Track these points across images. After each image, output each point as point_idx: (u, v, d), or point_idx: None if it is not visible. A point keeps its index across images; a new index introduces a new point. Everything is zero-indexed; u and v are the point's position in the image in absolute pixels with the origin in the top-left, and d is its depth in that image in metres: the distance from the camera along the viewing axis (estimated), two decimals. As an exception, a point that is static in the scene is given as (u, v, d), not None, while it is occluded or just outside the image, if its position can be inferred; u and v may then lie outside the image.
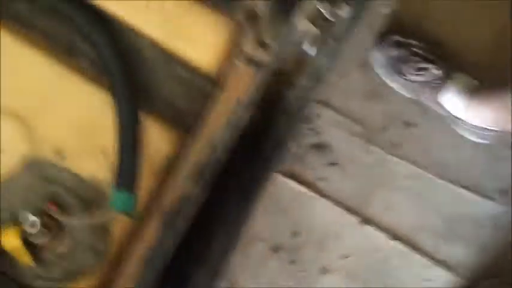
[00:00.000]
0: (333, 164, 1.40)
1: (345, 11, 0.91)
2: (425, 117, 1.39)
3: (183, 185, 0.55)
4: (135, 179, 0.55)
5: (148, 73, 0.60)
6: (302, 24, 0.65)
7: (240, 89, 0.54)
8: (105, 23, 0.60)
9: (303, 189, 1.39)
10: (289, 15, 0.56)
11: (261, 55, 0.54)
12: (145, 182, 0.56)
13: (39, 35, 0.61)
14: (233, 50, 0.56)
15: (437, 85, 1.31)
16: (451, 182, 1.39)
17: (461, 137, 1.37)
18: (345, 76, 1.39)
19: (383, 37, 1.37)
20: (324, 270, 1.39)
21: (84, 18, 0.59)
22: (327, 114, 1.40)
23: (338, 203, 1.39)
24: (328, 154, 1.40)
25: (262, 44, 0.55)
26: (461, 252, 1.39)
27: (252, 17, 0.55)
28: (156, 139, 0.58)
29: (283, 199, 1.40)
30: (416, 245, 1.40)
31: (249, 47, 0.54)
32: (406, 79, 1.33)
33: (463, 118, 1.31)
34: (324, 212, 1.39)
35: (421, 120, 1.40)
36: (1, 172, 0.58)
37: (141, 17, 0.59)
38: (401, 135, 1.40)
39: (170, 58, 0.59)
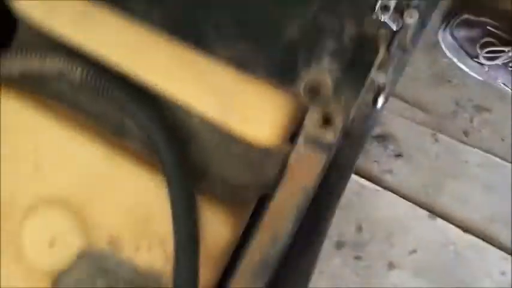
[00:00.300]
0: (398, 155, 1.31)
1: (414, 18, 0.80)
2: (501, 102, 1.27)
3: (246, 281, 0.49)
4: (194, 282, 0.50)
5: (202, 152, 0.54)
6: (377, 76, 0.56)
7: (305, 175, 0.47)
8: (154, 102, 0.54)
9: (366, 183, 1.32)
10: (359, 85, 0.48)
11: (327, 135, 0.47)
12: (204, 273, 0.51)
13: (84, 116, 0.56)
14: (294, 127, 0.50)
15: (514, 68, 1.18)
16: (529, 169, 1.28)
17: (542, 121, 1.25)
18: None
19: (452, 15, 1.24)
20: (391, 266, 1.33)
21: (130, 98, 0.53)
22: (390, 102, 1.30)
23: (405, 196, 1.32)
24: (393, 145, 1.31)
25: (327, 121, 0.47)
26: (540, 243, 1.30)
27: (315, 91, 0.47)
28: (214, 223, 0.52)
29: (346, 194, 1.33)
30: (490, 237, 1.31)
31: (313, 127, 0.47)
32: (479, 62, 1.21)
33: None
34: (390, 206, 1.32)
35: (495, 105, 1.28)
36: (55, 266, 0.55)
37: (192, 94, 0.52)
38: (473, 121, 1.29)
39: (225, 136, 0.53)
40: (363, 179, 1.32)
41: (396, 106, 1.30)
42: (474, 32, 1.21)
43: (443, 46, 1.26)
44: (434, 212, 1.32)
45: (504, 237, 1.31)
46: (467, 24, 1.22)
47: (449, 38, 1.23)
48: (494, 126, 1.28)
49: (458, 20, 1.22)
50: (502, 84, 1.22)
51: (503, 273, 1.32)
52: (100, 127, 0.56)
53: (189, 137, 0.55)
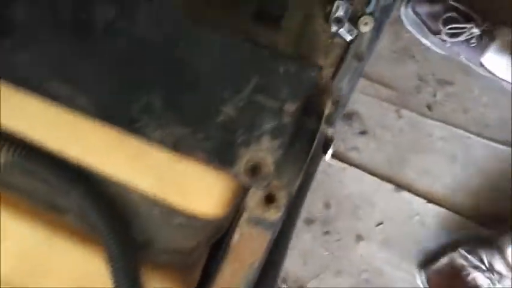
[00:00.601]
0: (363, 132, 1.32)
1: (369, 25, 0.78)
2: (463, 75, 1.27)
3: None
4: None
5: (144, 224, 0.52)
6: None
7: (250, 253, 0.46)
8: (89, 178, 0.52)
9: (333, 161, 1.33)
10: (302, 160, 0.47)
11: (270, 214, 0.46)
12: None
13: (22, 195, 0.53)
14: (237, 198, 0.48)
15: (477, 44, 1.16)
16: (492, 140, 1.30)
17: (503, 93, 1.25)
18: (371, 35, 1.26)
19: (413, -10, 1.21)
20: (359, 238, 1.37)
21: (63, 177, 0.51)
22: (354, 79, 1.29)
23: (371, 171, 1.33)
24: (357, 123, 1.31)
25: (270, 200, 0.46)
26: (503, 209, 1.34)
27: (256, 170, 0.45)
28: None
29: (313, 173, 1.34)
30: (454, 206, 1.35)
31: (256, 206, 0.46)
32: (441, 38, 1.19)
33: (508, 79, 1.18)
34: (356, 182, 1.34)
35: (458, 78, 1.28)
36: None
37: (129, 174, 0.50)
38: (436, 95, 1.29)
39: (165, 208, 0.51)
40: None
41: (360, 84, 1.29)
42: (436, 8, 1.19)
43: (405, 22, 1.24)
44: (399, 185, 1.34)
45: (467, 204, 1.34)
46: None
47: (411, 13, 1.21)
48: (457, 99, 1.29)
49: (420, -5, 1.19)
50: (464, 59, 1.21)
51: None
52: (39, 206, 0.54)
53: (130, 211, 0.53)
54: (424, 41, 1.23)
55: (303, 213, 1.36)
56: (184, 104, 0.50)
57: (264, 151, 0.47)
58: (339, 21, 0.75)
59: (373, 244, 1.37)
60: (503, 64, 1.16)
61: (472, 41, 1.16)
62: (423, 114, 1.30)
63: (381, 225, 1.36)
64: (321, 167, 1.33)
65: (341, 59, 0.80)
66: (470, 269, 1.24)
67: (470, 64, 1.21)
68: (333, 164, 1.33)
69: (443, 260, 1.28)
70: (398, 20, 1.24)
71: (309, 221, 1.37)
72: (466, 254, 1.24)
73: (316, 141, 0.51)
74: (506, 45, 1.14)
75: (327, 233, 1.37)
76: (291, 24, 0.79)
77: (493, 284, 1.25)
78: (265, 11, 0.80)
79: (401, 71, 1.28)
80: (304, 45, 0.80)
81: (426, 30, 1.20)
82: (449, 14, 1.17)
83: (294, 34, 0.80)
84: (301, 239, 1.37)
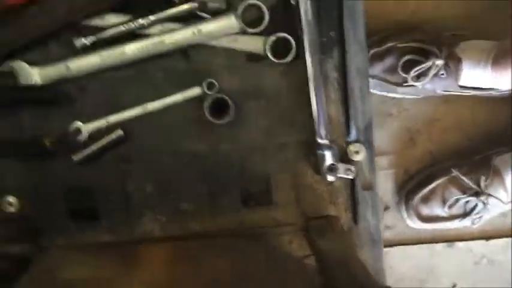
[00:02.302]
0: (386, 208, 1.21)
1: (361, 153, 0.68)
2: (444, 105, 1.18)
3: None
4: None
5: None
6: None
7: None
8: None
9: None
10: None
11: None
12: None
13: None
14: None
15: (448, 73, 1.08)
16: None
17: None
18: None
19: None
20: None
21: None
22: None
23: (412, 241, 1.22)
24: (375, 203, 1.21)
25: None
26: None
27: None
28: None
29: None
30: None
31: None
32: (410, 85, 1.10)
33: (493, 87, 1.09)
34: (406, 258, 1.21)
35: (441, 110, 1.19)
36: None
37: None
38: (431, 138, 1.20)
39: None
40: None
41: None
42: (388, 61, 1.11)
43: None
44: (448, 240, 1.22)
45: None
46: (377, 57, 1.11)
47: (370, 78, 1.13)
48: (455, 129, 1.19)
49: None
50: (441, 92, 1.12)
51: None
52: None
53: None
54: (394, 95, 1.15)
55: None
56: None
57: None
58: (333, 170, 0.66)
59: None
60: (482, 75, 1.07)
61: (441, 72, 1.08)
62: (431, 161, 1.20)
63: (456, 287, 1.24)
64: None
65: (352, 199, 0.70)
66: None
67: (451, 92, 1.12)
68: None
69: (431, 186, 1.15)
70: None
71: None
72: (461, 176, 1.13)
73: None
74: (474, 58, 1.06)
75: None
76: (282, 194, 0.70)
77: (486, 208, 1.13)
78: (251, 194, 0.70)
79: (387, 133, 1.19)
80: (306, 206, 0.70)
81: (391, 85, 1.12)
82: (404, 59, 1.09)
83: (290, 201, 0.70)
84: None
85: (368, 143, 0.69)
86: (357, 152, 0.68)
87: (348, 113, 0.67)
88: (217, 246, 0.69)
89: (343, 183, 0.69)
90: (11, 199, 0.70)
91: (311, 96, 0.63)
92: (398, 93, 1.14)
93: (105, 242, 0.71)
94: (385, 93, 1.15)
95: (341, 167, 0.66)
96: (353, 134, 0.68)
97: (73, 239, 0.70)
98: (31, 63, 0.65)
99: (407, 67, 1.09)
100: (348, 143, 0.68)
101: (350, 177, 0.67)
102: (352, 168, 0.66)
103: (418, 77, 1.09)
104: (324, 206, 0.70)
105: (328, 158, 0.65)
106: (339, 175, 0.66)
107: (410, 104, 1.18)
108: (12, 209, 0.70)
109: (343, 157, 0.67)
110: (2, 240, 0.71)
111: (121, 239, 0.71)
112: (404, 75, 1.09)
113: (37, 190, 0.70)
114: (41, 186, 0.70)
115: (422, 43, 1.10)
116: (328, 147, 0.65)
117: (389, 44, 1.11)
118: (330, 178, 0.66)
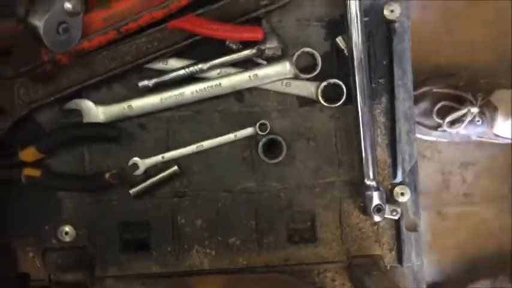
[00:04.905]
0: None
1: (406, 194, 0.71)
2: (479, 149, 1.20)
3: None
4: None
5: None
6: None
7: None
8: None
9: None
10: None
11: None
12: None
13: None
14: None
15: (483, 121, 1.10)
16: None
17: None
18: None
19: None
20: None
21: None
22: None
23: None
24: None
25: None
26: None
27: None
28: None
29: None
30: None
31: None
32: (444, 130, 1.13)
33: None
34: None
35: (476, 155, 1.21)
36: None
37: None
38: (465, 180, 1.21)
39: None
40: None
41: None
42: (423, 105, 1.14)
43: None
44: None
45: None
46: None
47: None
48: (487, 174, 1.21)
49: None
50: (476, 137, 1.14)
51: None
52: None
53: None
54: (428, 137, 1.17)
55: None
56: None
57: None
58: (380, 210, 0.68)
59: None
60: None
61: (477, 119, 1.10)
62: (464, 203, 1.21)
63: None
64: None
65: (397, 239, 0.72)
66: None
67: (483, 139, 1.14)
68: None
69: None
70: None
71: None
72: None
73: None
74: (510, 108, 1.08)
75: None
76: (327, 232, 0.72)
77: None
78: (296, 229, 0.73)
79: (421, 174, 1.21)
80: (350, 244, 0.72)
81: (425, 128, 1.15)
82: (439, 105, 1.11)
83: (335, 238, 0.72)
84: None
85: (413, 185, 0.72)
86: (402, 194, 0.70)
87: (395, 156, 0.70)
88: (264, 280, 0.72)
89: (387, 224, 0.72)
90: (68, 229, 0.74)
91: (361, 140, 0.66)
92: (433, 137, 1.17)
93: (155, 273, 0.73)
94: (420, 136, 1.17)
95: (387, 207, 0.68)
96: (399, 176, 0.70)
97: (124, 269, 0.73)
98: (96, 102, 0.71)
99: (443, 112, 1.12)
100: (394, 185, 0.71)
101: (395, 217, 0.69)
102: (398, 209, 0.69)
103: (453, 123, 1.11)
104: (368, 245, 0.72)
105: (376, 199, 0.68)
106: (386, 216, 0.68)
107: (444, 147, 1.21)
108: (68, 239, 0.74)
109: (389, 198, 0.70)
110: (57, 268, 0.75)
111: (170, 271, 0.73)
112: (439, 120, 1.12)
113: (93, 221, 0.73)
114: (97, 218, 0.73)
115: (457, 89, 1.13)
116: (376, 189, 0.68)
117: (425, 89, 1.14)
118: (377, 218, 0.68)
